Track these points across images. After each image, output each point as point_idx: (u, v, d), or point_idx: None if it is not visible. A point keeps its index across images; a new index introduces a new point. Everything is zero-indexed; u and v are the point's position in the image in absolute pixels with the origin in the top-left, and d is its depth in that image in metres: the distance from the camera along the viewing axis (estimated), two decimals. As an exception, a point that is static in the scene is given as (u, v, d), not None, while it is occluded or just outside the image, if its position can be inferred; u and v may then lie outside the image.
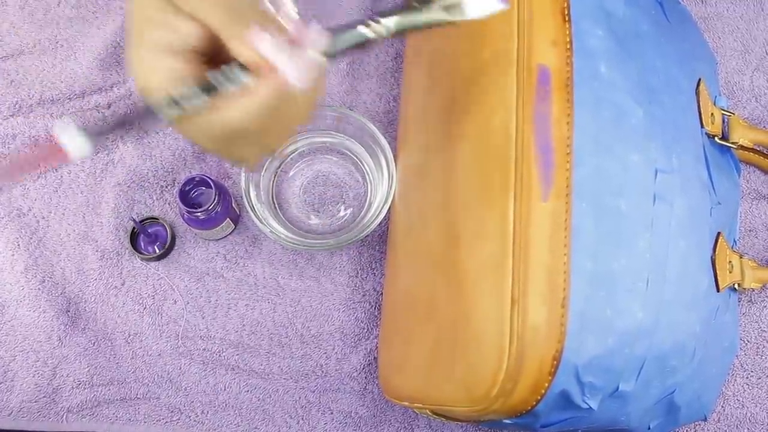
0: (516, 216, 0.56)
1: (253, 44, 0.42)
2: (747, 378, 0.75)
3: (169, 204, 0.78)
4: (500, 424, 0.61)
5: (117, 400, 0.75)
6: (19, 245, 0.76)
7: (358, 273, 0.77)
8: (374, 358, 0.75)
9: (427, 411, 0.63)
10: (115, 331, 0.76)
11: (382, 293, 0.76)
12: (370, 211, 0.75)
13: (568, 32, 0.58)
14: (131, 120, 0.43)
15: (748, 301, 0.76)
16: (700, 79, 0.68)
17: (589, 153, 0.57)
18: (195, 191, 0.74)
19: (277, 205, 0.78)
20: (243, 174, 0.72)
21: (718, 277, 0.63)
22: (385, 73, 0.81)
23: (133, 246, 0.76)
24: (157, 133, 0.79)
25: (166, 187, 0.78)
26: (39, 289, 0.75)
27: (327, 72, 0.45)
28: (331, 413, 0.75)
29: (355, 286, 0.77)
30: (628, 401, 0.59)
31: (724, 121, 0.71)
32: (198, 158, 0.78)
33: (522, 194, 0.56)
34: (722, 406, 0.74)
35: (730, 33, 0.81)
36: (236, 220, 0.77)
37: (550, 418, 0.58)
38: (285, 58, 0.42)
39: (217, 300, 0.76)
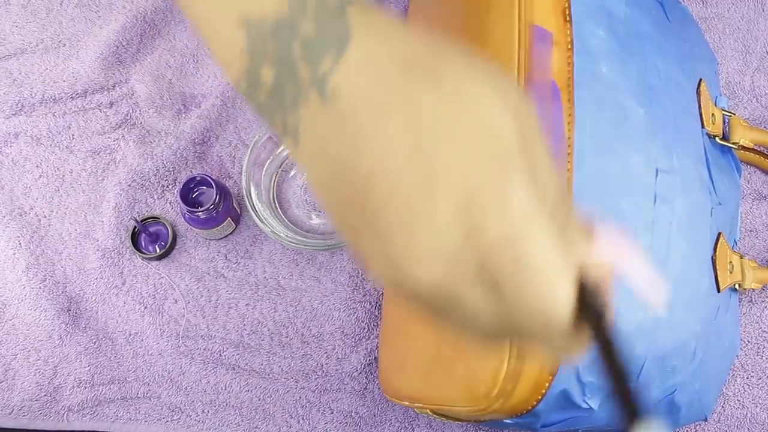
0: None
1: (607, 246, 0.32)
2: (747, 378, 0.75)
3: (170, 203, 0.78)
4: (501, 423, 0.61)
5: (118, 399, 0.75)
6: (20, 244, 0.76)
7: (358, 273, 0.77)
8: (375, 357, 0.75)
9: (428, 411, 0.63)
10: (115, 330, 0.76)
11: (382, 293, 0.76)
12: (371, 210, 0.75)
13: (569, 32, 0.58)
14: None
15: (749, 302, 0.76)
16: (700, 80, 0.68)
17: (590, 153, 0.57)
18: (196, 191, 0.74)
19: (277, 205, 0.78)
20: (243, 173, 0.72)
21: (719, 278, 0.64)
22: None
23: (134, 245, 0.76)
24: (159, 132, 0.79)
25: (168, 186, 0.78)
26: (40, 287, 0.75)
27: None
28: (332, 413, 0.75)
29: (356, 285, 0.77)
30: (628, 401, 0.58)
31: (724, 122, 0.71)
32: (199, 158, 0.78)
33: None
34: (722, 406, 0.74)
35: (731, 33, 0.81)
36: (237, 219, 0.77)
37: (551, 417, 0.58)
38: (649, 277, 0.32)
39: (217, 299, 0.76)
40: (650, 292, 0.32)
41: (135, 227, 0.76)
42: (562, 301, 0.30)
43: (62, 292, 0.76)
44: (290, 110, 0.32)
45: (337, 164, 0.31)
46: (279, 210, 0.78)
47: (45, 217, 0.77)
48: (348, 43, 0.30)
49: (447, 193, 0.30)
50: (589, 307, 0.31)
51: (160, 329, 0.76)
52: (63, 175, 0.78)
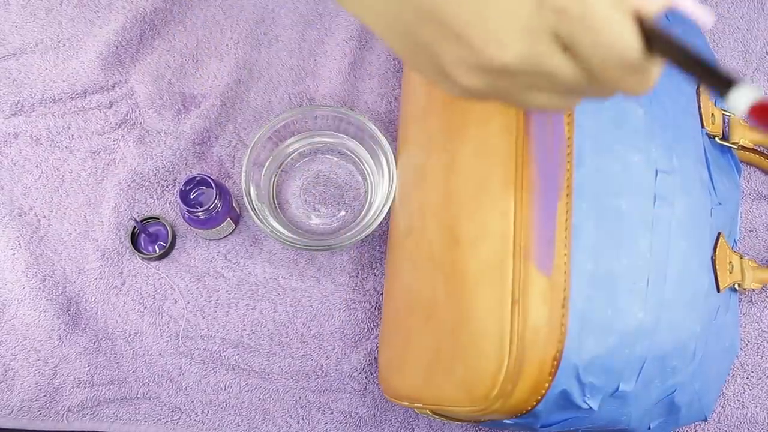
0: (516, 216, 0.56)
1: None
2: (747, 378, 0.75)
3: (169, 203, 0.78)
4: (501, 424, 0.61)
5: (117, 399, 0.75)
6: (20, 244, 0.76)
7: (358, 273, 0.77)
8: (374, 358, 0.75)
9: (427, 411, 0.63)
10: (115, 330, 0.76)
11: (382, 293, 0.76)
12: (371, 211, 0.75)
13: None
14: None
15: (749, 302, 0.76)
16: (700, 80, 0.68)
17: (590, 153, 0.57)
18: (196, 191, 0.74)
19: (277, 205, 0.78)
20: (243, 174, 0.72)
21: (719, 278, 0.64)
22: (387, 73, 0.81)
23: (133, 245, 0.76)
24: (158, 132, 0.79)
25: (167, 186, 0.78)
26: (40, 288, 0.75)
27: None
28: (331, 413, 0.75)
29: (356, 286, 0.77)
30: (628, 401, 0.59)
31: (724, 122, 0.71)
32: (199, 158, 0.78)
33: (522, 194, 0.56)
34: (722, 407, 0.74)
35: (731, 33, 0.81)
36: (237, 219, 0.77)
37: (551, 418, 0.58)
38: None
39: (217, 300, 0.76)
40: (697, 11, 0.38)
41: (134, 227, 0.76)
42: (630, 35, 0.35)
43: (62, 293, 0.76)
44: None
45: None
46: (279, 210, 0.78)
47: (44, 217, 0.77)
48: None
49: None
50: (653, 34, 0.36)
51: (160, 329, 0.76)
52: (62, 176, 0.78)
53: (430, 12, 0.36)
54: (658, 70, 0.38)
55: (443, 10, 0.35)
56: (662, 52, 0.37)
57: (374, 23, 0.38)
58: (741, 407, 0.74)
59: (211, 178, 0.72)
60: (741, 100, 0.34)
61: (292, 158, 0.79)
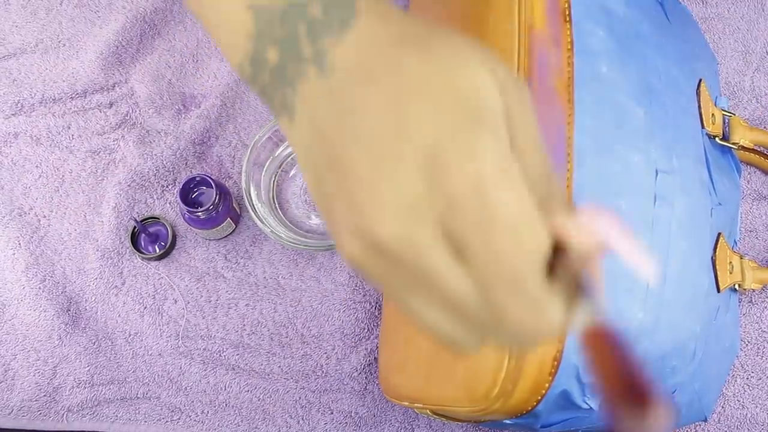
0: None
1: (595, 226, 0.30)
2: (747, 378, 0.75)
3: (170, 203, 0.78)
4: (501, 424, 0.61)
5: (117, 399, 0.75)
6: (20, 244, 0.76)
7: (358, 273, 0.77)
8: (374, 358, 0.75)
9: (428, 411, 0.63)
10: (115, 330, 0.76)
11: (382, 293, 0.76)
12: (371, 211, 0.75)
13: (569, 33, 0.58)
14: None
15: (749, 302, 0.76)
16: (700, 80, 0.68)
17: (590, 153, 0.57)
18: (196, 191, 0.74)
19: (277, 205, 0.78)
20: (243, 174, 0.72)
21: (719, 278, 0.64)
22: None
23: (133, 245, 0.76)
24: (158, 132, 0.79)
25: (167, 186, 0.78)
26: (40, 288, 0.75)
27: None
28: (331, 413, 0.75)
29: (356, 286, 0.77)
30: (628, 401, 0.58)
31: (724, 122, 0.71)
32: (199, 158, 0.78)
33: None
34: (722, 407, 0.74)
35: (731, 33, 0.81)
36: (237, 219, 0.77)
37: (551, 418, 0.58)
38: (637, 250, 0.31)
39: (217, 300, 0.76)
40: (640, 266, 0.31)
41: (135, 227, 0.76)
42: (531, 248, 0.29)
43: (62, 293, 0.76)
44: (290, 87, 0.32)
45: (322, 133, 0.31)
46: (279, 210, 0.78)
47: (44, 217, 0.77)
48: (351, 24, 0.32)
49: (415, 144, 0.29)
50: (563, 265, 0.30)
51: (160, 329, 0.76)
52: (63, 176, 0.78)
53: (338, 158, 0.30)
54: (558, 313, 0.30)
55: (349, 162, 0.30)
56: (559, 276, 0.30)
57: (298, 153, 0.33)
58: (741, 407, 0.74)
59: (211, 178, 0.72)
60: (578, 319, 0.29)
61: (292, 158, 0.79)
